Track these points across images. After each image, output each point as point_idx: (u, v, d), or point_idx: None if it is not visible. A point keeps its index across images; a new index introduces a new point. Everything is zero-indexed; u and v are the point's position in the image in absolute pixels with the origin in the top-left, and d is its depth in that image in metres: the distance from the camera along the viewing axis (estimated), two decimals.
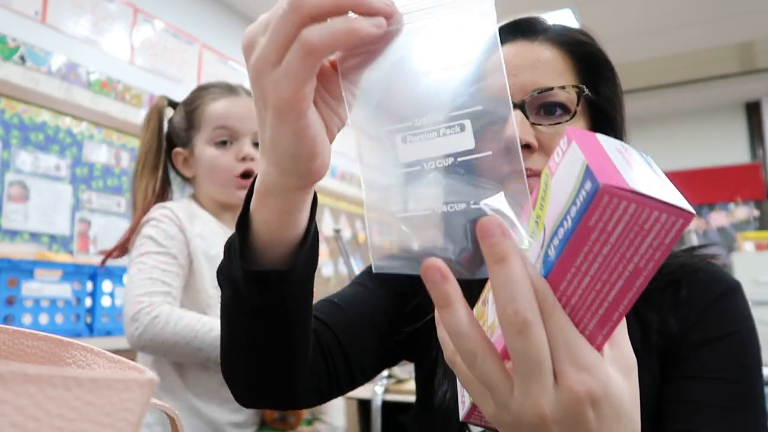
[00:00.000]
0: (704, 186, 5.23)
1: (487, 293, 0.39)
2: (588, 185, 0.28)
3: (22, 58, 2.26)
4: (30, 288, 1.84)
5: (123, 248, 1.14)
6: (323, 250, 3.76)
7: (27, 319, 1.83)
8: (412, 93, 0.36)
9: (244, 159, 1.14)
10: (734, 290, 0.63)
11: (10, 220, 2.17)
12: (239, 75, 3.42)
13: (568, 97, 0.61)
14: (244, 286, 0.47)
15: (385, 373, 1.94)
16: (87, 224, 2.44)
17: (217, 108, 1.15)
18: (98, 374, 0.19)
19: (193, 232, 1.10)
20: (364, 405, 1.93)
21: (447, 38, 0.36)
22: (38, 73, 2.30)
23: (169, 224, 1.09)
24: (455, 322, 0.31)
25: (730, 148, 5.23)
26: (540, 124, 0.60)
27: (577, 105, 0.61)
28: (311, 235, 0.48)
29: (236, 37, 3.43)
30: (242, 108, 1.16)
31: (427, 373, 0.72)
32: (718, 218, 5.24)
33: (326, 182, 3.81)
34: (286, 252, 0.47)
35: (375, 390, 1.83)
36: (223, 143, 1.14)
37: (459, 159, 0.35)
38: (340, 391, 0.67)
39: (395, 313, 0.71)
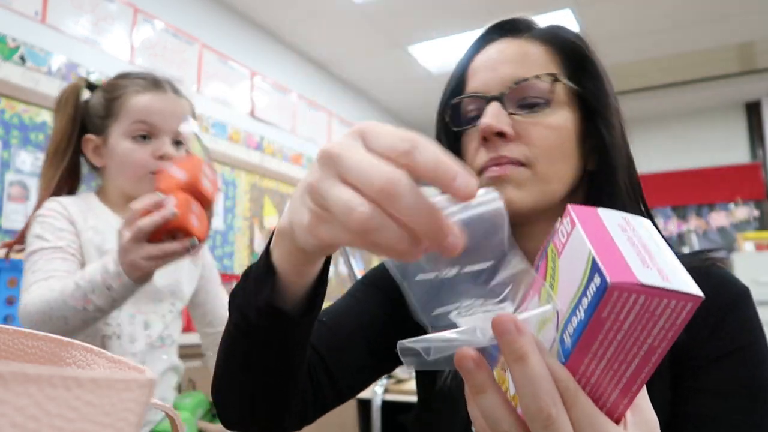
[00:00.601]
0: (704, 186, 5.23)
1: None
2: (597, 280, 0.30)
3: (22, 58, 2.26)
4: None
5: (22, 240, 1.11)
6: None
7: None
8: (452, 289, 0.37)
9: (161, 158, 1.08)
10: (745, 299, 0.61)
11: (10, 220, 2.17)
12: (239, 75, 3.42)
13: (546, 87, 0.61)
14: (256, 317, 0.47)
15: None
16: None
17: (140, 101, 1.09)
18: (98, 374, 0.19)
19: (85, 226, 1.07)
20: (364, 405, 1.93)
21: (471, 240, 0.36)
22: (38, 73, 2.30)
23: (57, 218, 1.06)
24: (491, 407, 0.33)
25: (730, 148, 5.23)
26: (517, 114, 0.61)
27: (551, 93, 0.61)
28: (319, 285, 0.48)
29: (236, 37, 3.43)
30: (167, 105, 1.11)
31: (428, 373, 0.72)
32: (718, 218, 5.24)
33: None
34: (296, 292, 0.47)
35: (375, 390, 1.83)
36: (142, 137, 1.09)
37: None
38: (324, 409, 0.67)
39: (391, 318, 0.70)
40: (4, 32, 2.20)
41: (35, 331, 0.33)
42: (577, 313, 0.31)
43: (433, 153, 0.30)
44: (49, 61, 2.34)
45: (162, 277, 1.08)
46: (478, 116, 0.64)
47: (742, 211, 5.17)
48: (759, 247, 4.56)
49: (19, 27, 2.26)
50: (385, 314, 0.70)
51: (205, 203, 0.92)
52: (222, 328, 1.16)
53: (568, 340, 0.32)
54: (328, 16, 3.51)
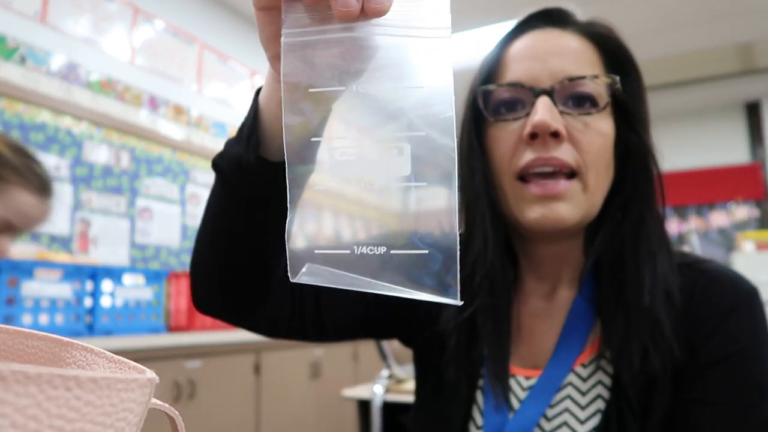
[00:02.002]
0: (704, 186, 5.23)
1: None
2: None
3: (22, 58, 2.26)
4: (30, 288, 1.84)
5: None
6: None
7: (27, 319, 1.83)
8: (358, 106, 0.34)
9: None
10: (748, 301, 0.57)
11: None
12: (239, 75, 3.42)
13: (597, 88, 0.58)
14: (236, 168, 0.51)
15: (385, 373, 1.94)
16: (87, 224, 2.44)
17: (22, 200, 0.92)
18: (98, 374, 0.19)
19: None
20: (364, 405, 1.93)
21: (401, 58, 0.34)
22: (38, 73, 2.30)
23: None
24: None
25: (730, 148, 5.24)
26: (569, 114, 0.57)
27: (601, 96, 0.58)
28: None
29: (236, 37, 3.42)
30: (40, 214, 0.97)
31: (426, 370, 0.71)
32: (718, 218, 5.24)
33: None
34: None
35: (375, 390, 1.83)
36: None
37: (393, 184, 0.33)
38: (301, 334, 0.66)
39: None
40: (4, 32, 2.20)
41: (35, 331, 0.33)
42: None
43: None
44: (49, 61, 2.34)
45: None
46: (518, 108, 0.59)
47: (742, 211, 5.17)
48: (759, 247, 4.56)
49: (19, 27, 2.26)
50: None
51: None
52: None
53: None
54: None
